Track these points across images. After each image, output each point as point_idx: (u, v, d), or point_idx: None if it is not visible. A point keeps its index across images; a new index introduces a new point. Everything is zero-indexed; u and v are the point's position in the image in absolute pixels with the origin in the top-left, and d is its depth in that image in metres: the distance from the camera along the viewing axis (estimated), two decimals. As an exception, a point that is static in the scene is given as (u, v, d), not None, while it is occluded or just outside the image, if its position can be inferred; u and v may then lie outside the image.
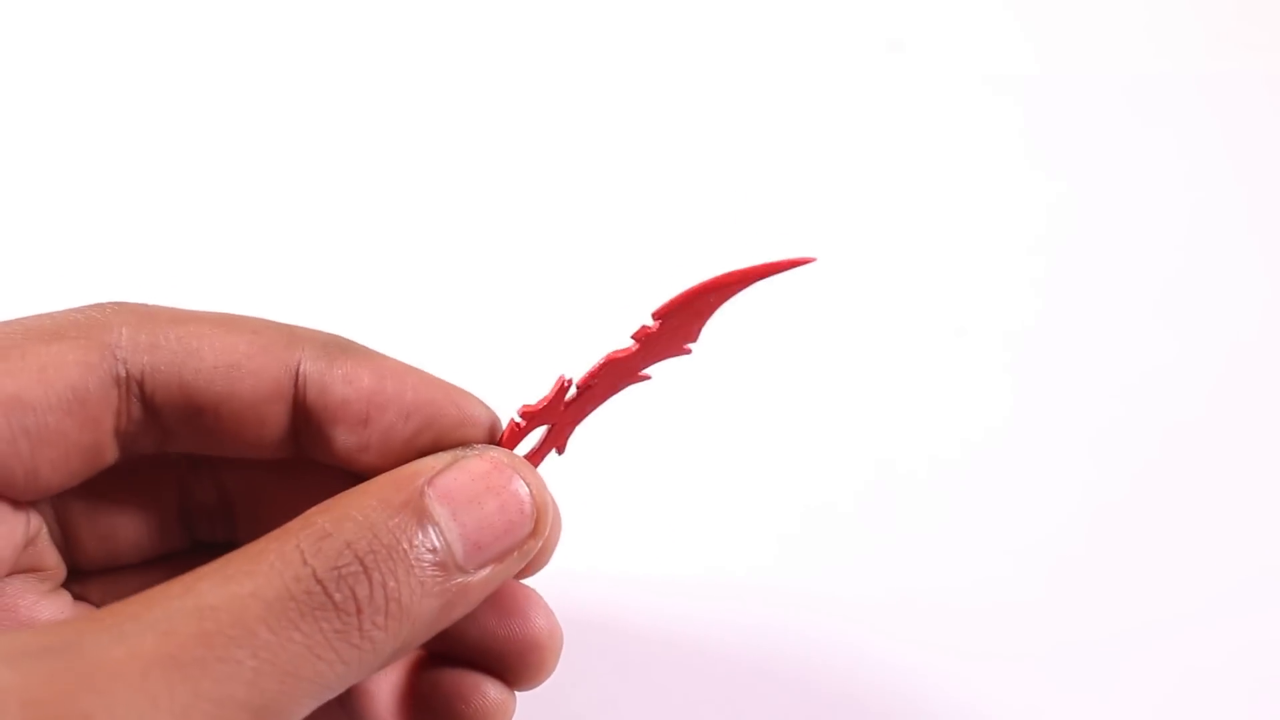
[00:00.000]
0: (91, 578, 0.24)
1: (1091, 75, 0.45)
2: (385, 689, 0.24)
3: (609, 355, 0.23)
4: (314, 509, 0.20)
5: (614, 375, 0.23)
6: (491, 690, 0.23)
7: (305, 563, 0.18)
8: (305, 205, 0.41)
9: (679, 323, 0.23)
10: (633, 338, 0.23)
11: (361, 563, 0.19)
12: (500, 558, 0.21)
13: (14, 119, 0.44)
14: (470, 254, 0.40)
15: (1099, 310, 0.39)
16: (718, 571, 0.34)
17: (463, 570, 0.20)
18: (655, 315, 0.22)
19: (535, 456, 0.23)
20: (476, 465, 0.21)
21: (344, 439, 0.22)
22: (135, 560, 0.24)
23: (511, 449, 0.23)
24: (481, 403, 0.23)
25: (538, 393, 0.23)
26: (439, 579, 0.19)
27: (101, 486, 0.23)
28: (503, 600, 0.23)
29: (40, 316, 0.21)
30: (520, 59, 0.45)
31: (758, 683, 0.31)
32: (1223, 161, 0.43)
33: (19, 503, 0.21)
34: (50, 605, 0.22)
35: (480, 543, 0.20)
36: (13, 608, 0.22)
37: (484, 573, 0.20)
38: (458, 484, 0.20)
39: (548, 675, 0.24)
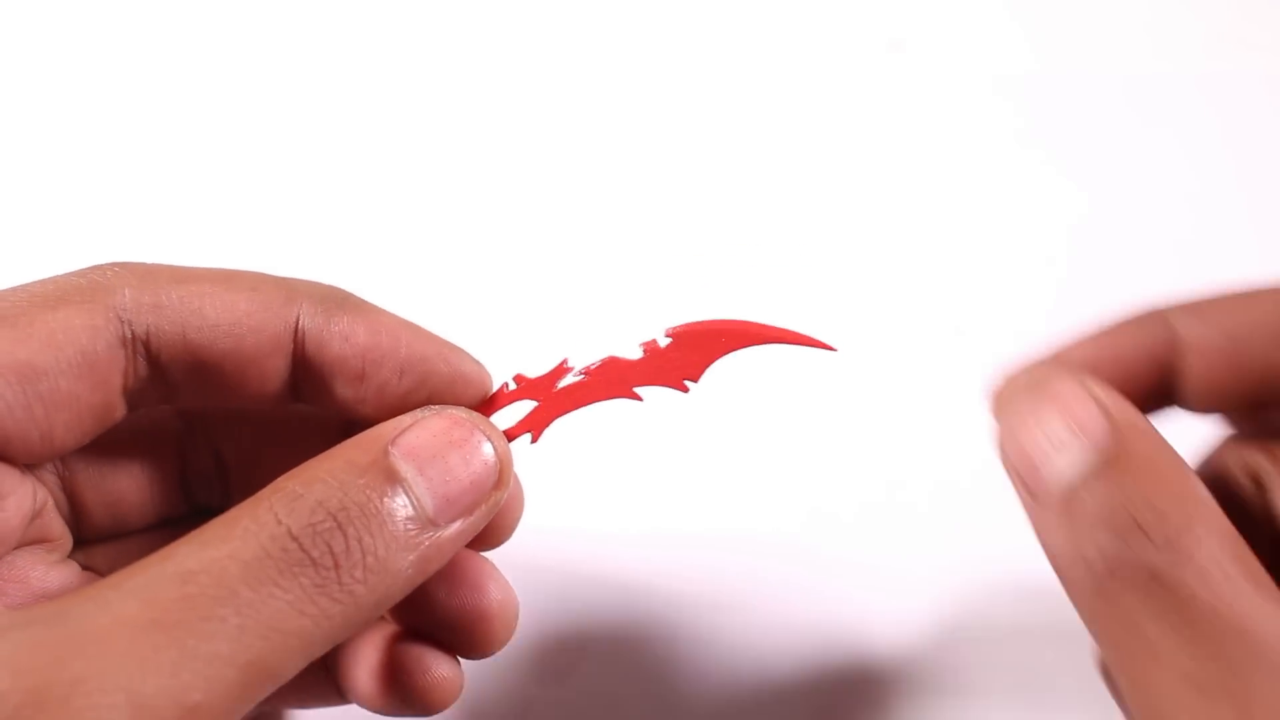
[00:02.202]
0: (96, 546, 0.25)
1: (1093, 74, 0.45)
2: (363, 659, 0.24)
3: (612, 356, 0.24)
4: (283, 476, 0.20)
5: (610, 378, 0.24)
6: (437, 666, 0.24)
7: (279, 522, 0.19)
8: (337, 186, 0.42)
9: (686, 352, 0.23)
10: (640, 346, 0.24)
11: (335, 519, 0.19)
12: (469, 510, 0.21)
13: (10, 79, 0.45)
14: (497, 239, 0.40)
15: (1099, 309, 0.40)
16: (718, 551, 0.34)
17: (434, 524, 0.21)
18: (668, 333, 0.23)
19: (510, 432, 0.24)
20: (436, 422, 0.22)
21: (341, 392, 0.23)
22: (139, 525, 0.25)
23: (493, 410, 0.24)
24: (473, 359, 0.24)
25: (537, 369, 0.24)
26: (412, 533, 0.20)
27: (106, 452, 0.24)
28: (458, 572, 0.24)
29: (43, 282, 0.22)
30: (521, 61, 0.46)
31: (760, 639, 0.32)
32: (1225, 161, 0.43)
33: (27, 470, 0.22)
34: (59, 575, 0.23)
35: (449, 496, 0.21)
36: (24, 579, 0.23)
37: (455, 526, 0.21)
38: (420, 441, 0.21)
39: (499, 646, 0.24)
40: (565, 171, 0.42)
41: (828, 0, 0.47)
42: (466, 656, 0.25)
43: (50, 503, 0.23)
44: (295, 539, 0.19)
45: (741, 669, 0.30)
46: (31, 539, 0.23)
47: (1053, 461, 0.21)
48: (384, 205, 0.41)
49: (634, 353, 0.24)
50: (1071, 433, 0.21)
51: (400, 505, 0.20)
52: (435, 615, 0.24)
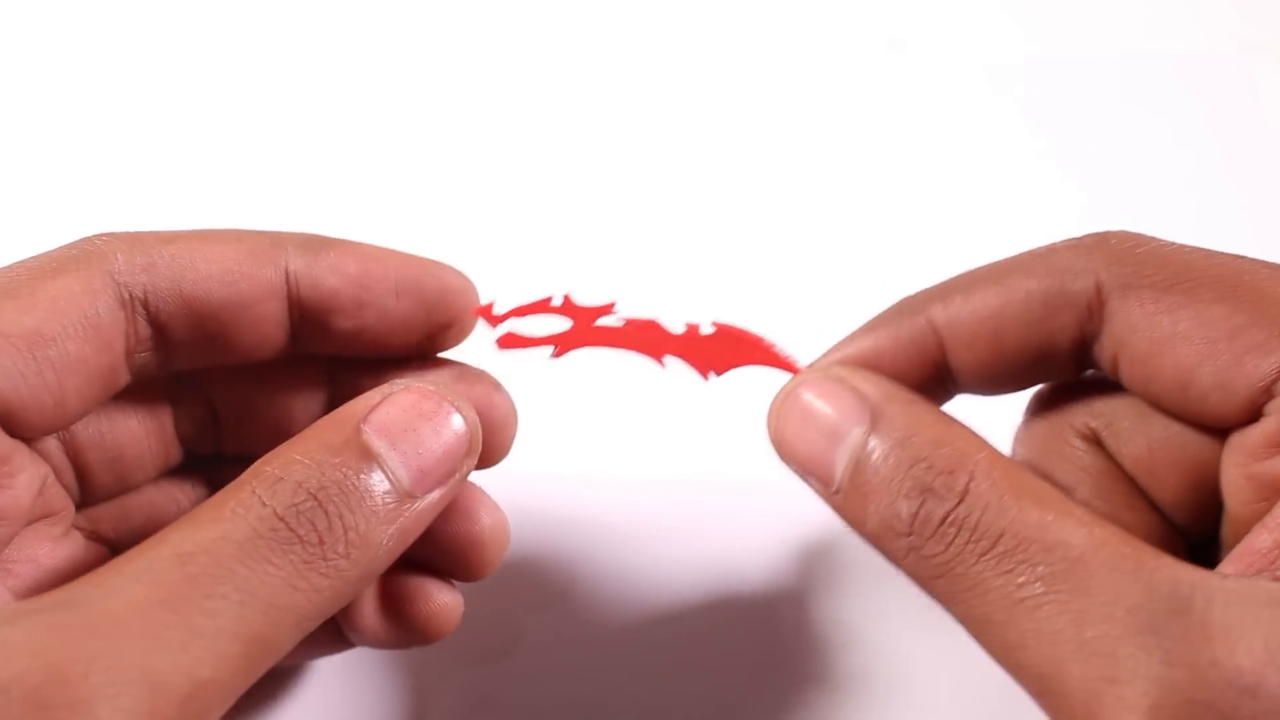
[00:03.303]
0: (100, 510, 0.25)
1: (1094, 67, 0.45)
2: (364, 595, 0.25)
3: (657, 320, 0.25)
4: (260, 460, 0.21)
5: (646, 336, 0.25)
6: (438, 594, 0.25)
7: (264, 504, 0.20)
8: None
9: (722, 347, 0.25)
10: (684, 323, 0.25)
11: (315, 498, 0.20)
12: (443, 480, 0.22)
13: None
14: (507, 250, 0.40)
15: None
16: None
17: (411, 496, 0.21)
18: (713, 323, 0.25)
19: (538, 340, 0.25)
20: (405, 397, 0.22)
21: (341, 326, 0.24)
22: (140, 480, 0.26)
23: (529, 313, 0.25)
24: (459, 273, 0.24)
25: (590, 299, 0.25)
26: (390, 507, 0.21)
27: (105, 409, 0.24)
28: (452, 502, 0.24)
29: (36, 257, 0.22)
30: (527, 65, 0.45)
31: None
32: (1227, 145, 0.43)
33: (33, 444, 0.22)
34: (66, 550, 0.24)
35: (423, 468, 0.21)
36: (34, 558, 0.23)
37: (431, 497, 0.22)
38: (390, 417, 0.21)
39: (492, 568, 0.25)
40: (570, 171, 0.42)
41: (828, 0, 0.47)
42: (462, 580, 0.25)
43: (52, 475, 0.23)
44: (281, 519, 0.20)
45: (716, 590, 0.31)
46: (37, 514, 0.23)
47: (830, 454, 0.22)
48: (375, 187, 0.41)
49: (676, 326, 0.25)
50: (837, 421, 0.22)
51: (377, 481, 0.21)
52: (430, 543, 0.24)
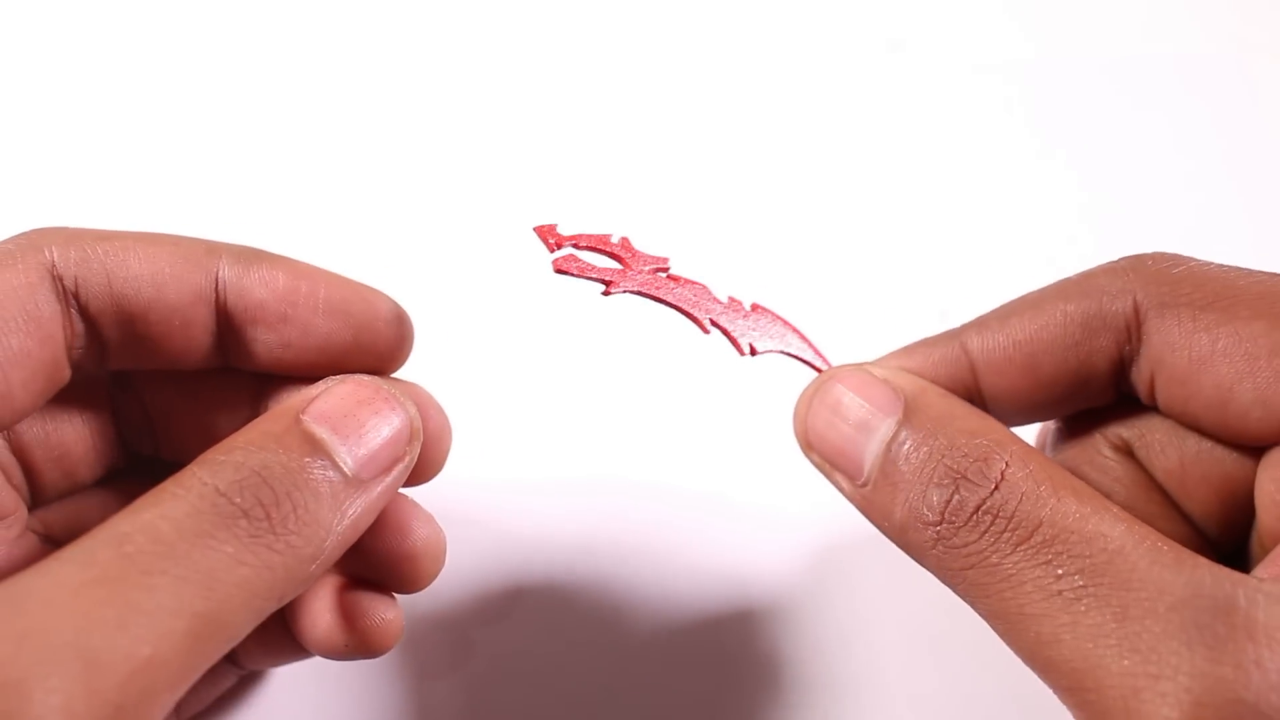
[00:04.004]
0: (53, 510, 0.25)
1: (1093, 65, 0.44)
2: (309, 608, 0.25)
3: (705, 285, 0.25)
4: (202, 455, 0.21)
5: (693, 297, 0.25)
6: (380, 609, 0.25)
7: (205, 483, 0.19)
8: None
9: (764, 329, 0.25)
10: (729, 297, 0.25)
11: (259, 475, 0.20)
12: (389, 466, 0.22)
13: None
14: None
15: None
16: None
17: (359, 480, 0.21)
18: (754, 306, 0.25)
19: (592, 272, 0.25)
20: (343, 387, 0.22)
21: (265, 338, 0.24)
22: (89, 479, 0.25)
23: (583, 245, 0.25)
24: (390, 299, 0.25)
25: (647, 245, 0.26)
26: (339, 491, 0.21)
27: (48, 407, 0.24)
28: (383, 516, 0.24)
29: None
30: (520, 57, 0.45)
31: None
32: (1221, 145, 0.43)
33: None
34: (21, 551, 0.23)
35: (368, 453, 0.21)
36: (-14, 560, 0.23)
37: (380, 484, 0.22)
38: (330, 405, 0.22)
39: (428, 581, 0.25)
40: (568, 172, 0.41)
41: (828, 0, 0.46)
42: (400, 592, 0.25)
43: (0, 476, 0.23)
44: (223, 494, 0.19)
45: (660, 603, 0.32)
46: None
47: (861, 445, 0.22)
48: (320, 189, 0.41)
49: (720, 296, 0.25)
50: (869, 413, 0.22)
51: (321, 465, 0.21)
52: (367, 559, 0.24)
